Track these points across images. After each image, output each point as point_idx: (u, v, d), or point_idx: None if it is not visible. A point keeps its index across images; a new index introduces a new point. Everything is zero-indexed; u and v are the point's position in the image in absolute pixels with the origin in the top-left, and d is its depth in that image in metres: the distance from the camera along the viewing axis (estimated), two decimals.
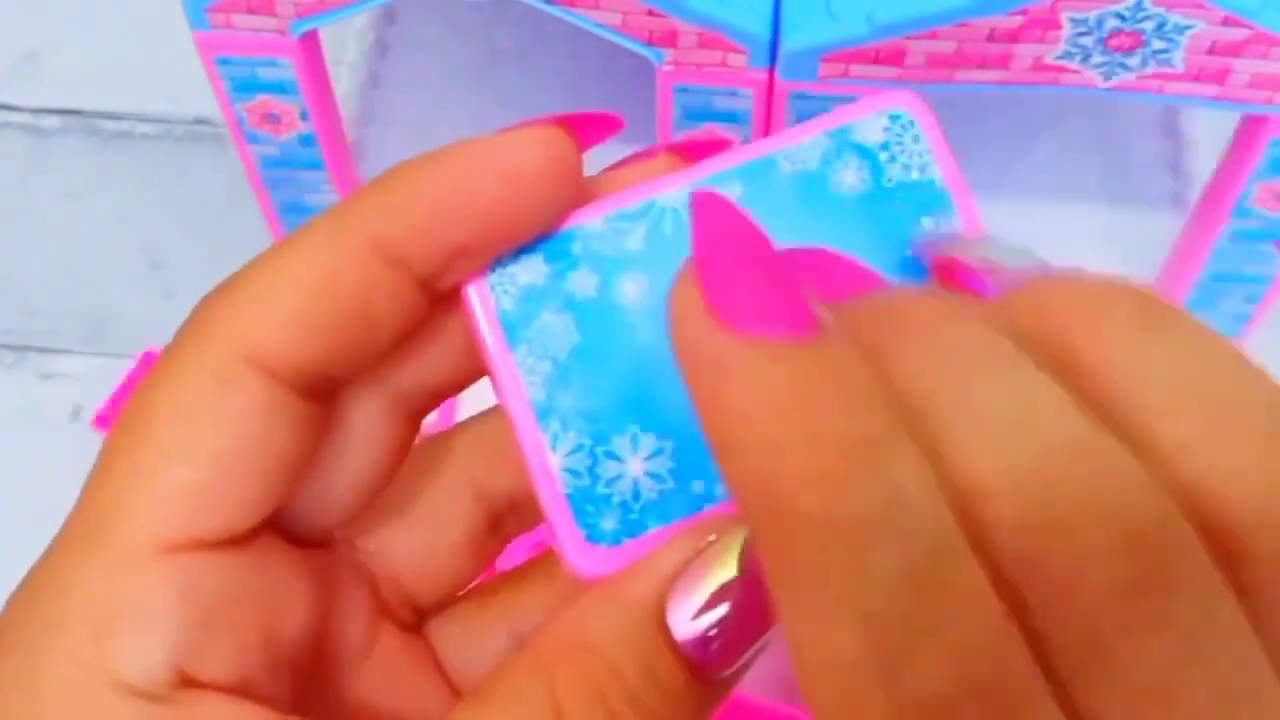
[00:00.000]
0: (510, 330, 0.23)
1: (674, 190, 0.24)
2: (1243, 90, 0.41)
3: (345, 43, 0.60)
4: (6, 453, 0.53)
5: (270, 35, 0.43)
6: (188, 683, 0.21)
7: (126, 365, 0.52)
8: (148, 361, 0.51)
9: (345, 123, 0.51)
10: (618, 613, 0.21)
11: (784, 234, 0.23)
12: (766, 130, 0.44)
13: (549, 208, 0.23)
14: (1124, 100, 0.41)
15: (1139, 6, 0.38)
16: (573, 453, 0.23)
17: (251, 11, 0.43)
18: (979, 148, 0.58)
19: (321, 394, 0.23)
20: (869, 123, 0.24)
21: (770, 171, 0.24)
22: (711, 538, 0.21)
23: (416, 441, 0.26)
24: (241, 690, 0.21)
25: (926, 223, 0.25)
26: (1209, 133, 0.57)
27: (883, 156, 0.24)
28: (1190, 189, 0.56)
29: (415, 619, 0.27)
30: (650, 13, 0.41)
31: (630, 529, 0.22)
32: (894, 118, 0.24)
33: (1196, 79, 0.41)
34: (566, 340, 0.23)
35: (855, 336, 0.18)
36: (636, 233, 0.24)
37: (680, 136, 0.43)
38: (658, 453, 0.23)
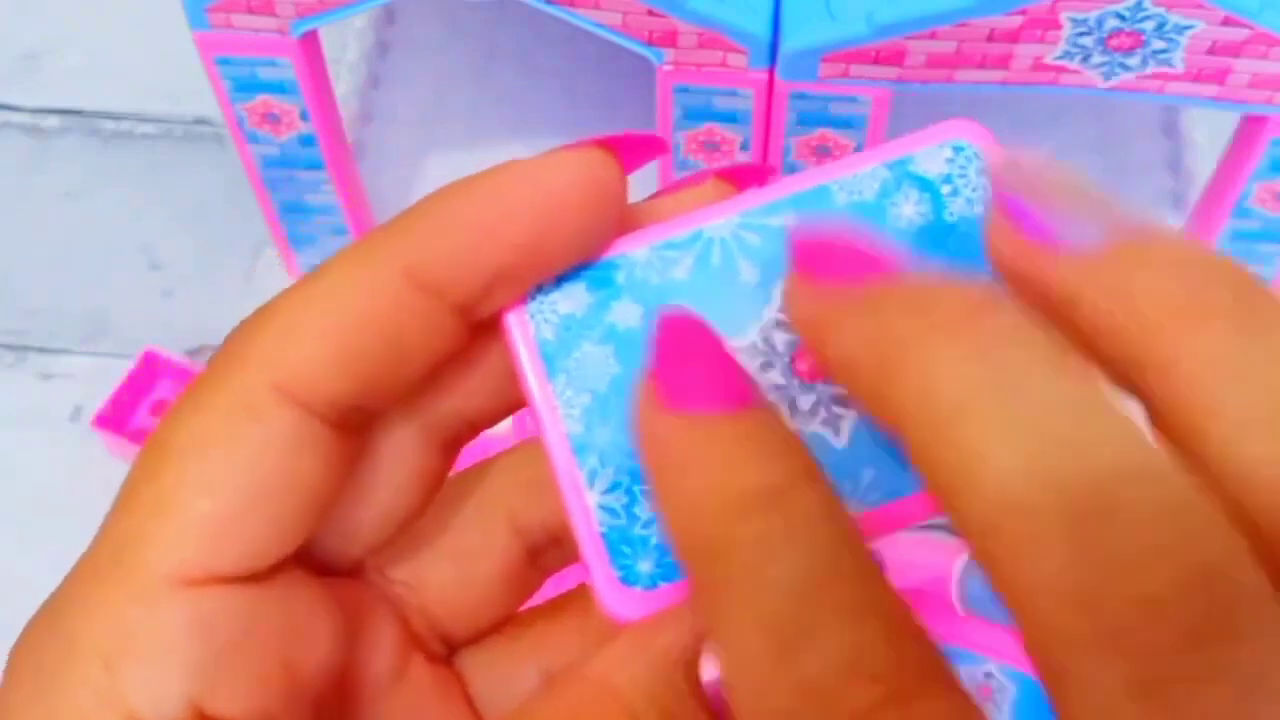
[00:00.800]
0: (549, 360, 0.22)
1: (722, 220, 0.23)
2: (1243, 90, 0.41)
3: (345, 43, 0.60)
4: (6, 453, 0.53)
5: (270, 35, 0.43)
6: (202, 717, 0.20)
7: (126, 365, 0.52)
8: (148, 362, 0.51)
9: (345, 123, 0.51)
10: (646, 661, 0.21)
11: None
12: (766, 130, 0.44)
13: (591, 234, 0.23)
14: (1124, 100, 0.41)
15: (1139, 6, 0.38)
16: (610, 490, 0.22)
17: (251, 11, 0.43)
18: None
19: (353, 425, 0.22)
20: (931, 154, 0.23)
21: (824, 201, 0.23)
22: None
23: (452, 472, 0.25)
24: None
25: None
26: (1209, 133, 0.57)
27: (944, 190, 0.23)
28: (1190, 189, 0.56)
29: (447, 650, 0.26)
30: (650, 13, 0.41)
31: (667, 573, 0.22)
32: (957, 149, 0.23)
33: (1196, 79, 0.41)
34: (607, 372, 0.22)
35: (882, 329, 0.19)
36: (683, 263, 0.23)
37: (726, 163, 0.43)
38: None
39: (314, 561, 0.23)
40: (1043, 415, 0.17)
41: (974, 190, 0.23)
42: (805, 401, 0.22)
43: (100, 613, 0.21)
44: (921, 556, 0.49)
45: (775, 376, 0.22)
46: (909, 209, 0.23)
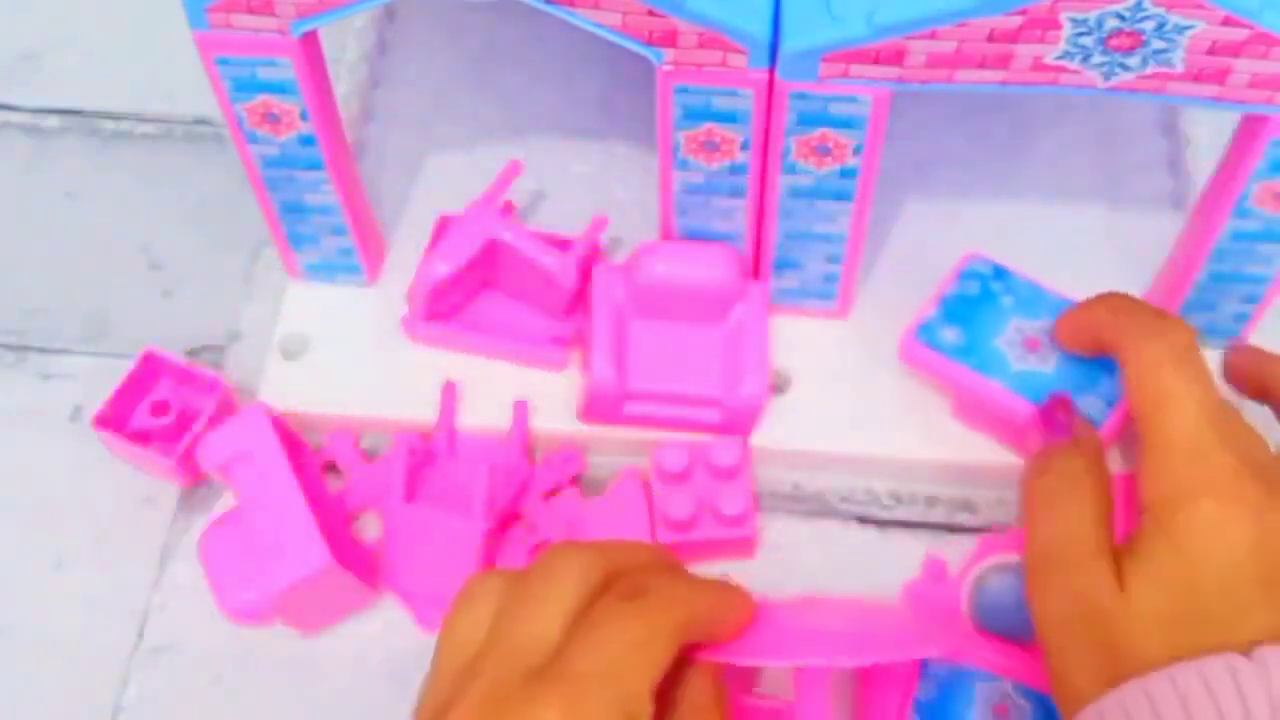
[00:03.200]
0: None
1: None
2: (1243, 90, 0.41)
3: (345, 43, 0.60)
4: (6, 453, 0.53)
5: (270, 35, 0.43)
6: None
7: (126, 365, 0.51)
8: (148, 362, 0.51)
9: (345, 123, 0.51)
10: None
11: None
12: (766, 130, 0.44)
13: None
14: (1124, 100, 0.41)
15: (1139, 6, 0.38)
16: None
17: (251, 11, 0.43)
18: (979, 148, 0.58)
19: None
20: None
21: None
22: None
23: None
24: None
25: None
26: (1209, 133, 0.57)
27: None
28: (1190, 189, 0.56)
29: None
30: (650, 13, 0.41)
31: None
32: None
33: (1196, 79, 0.41)
34: None
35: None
36: None
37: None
38: None
39: None
40: None
41: None
42: None
43: None
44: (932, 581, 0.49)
45: None
46: None
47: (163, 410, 0.51)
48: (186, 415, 0.51)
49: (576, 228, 0.52)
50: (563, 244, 0.51)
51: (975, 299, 0.49)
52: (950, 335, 0.48)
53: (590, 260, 0.51)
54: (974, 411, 0.50)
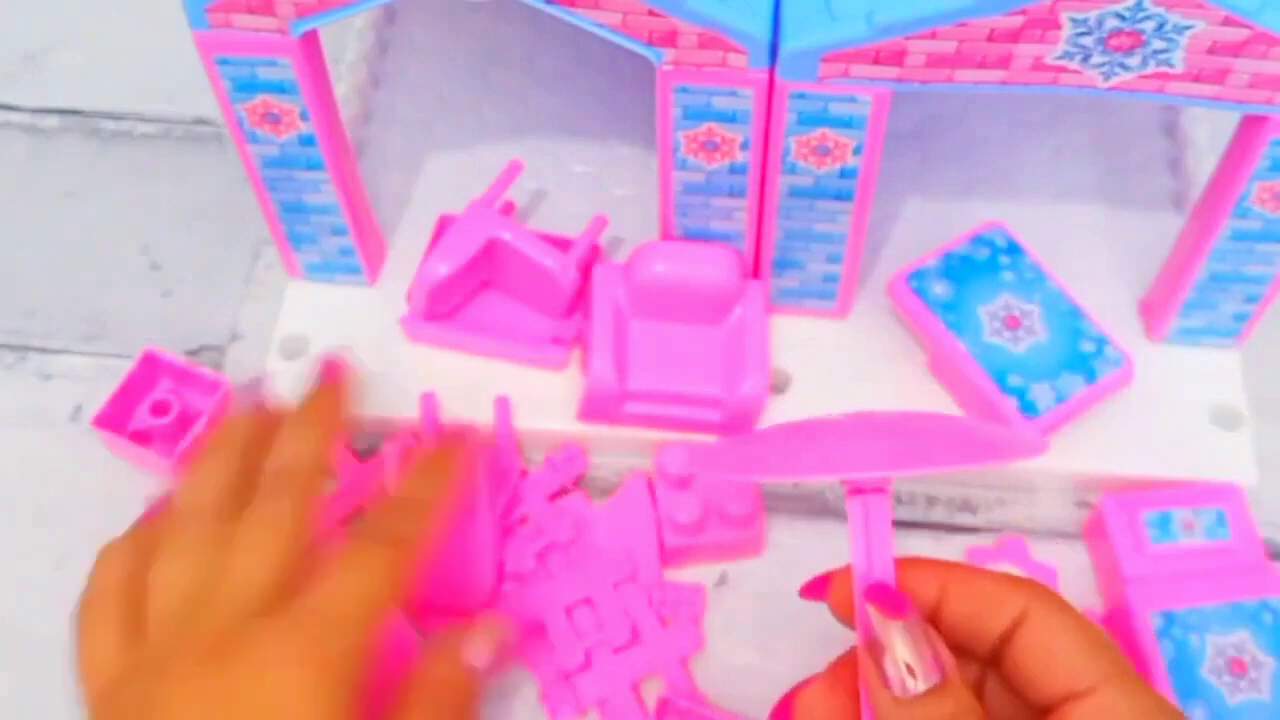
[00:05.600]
0: None
1: None
2: (1243, 90, 0.41)
3: (345, 43, 0.60)
4: (6, 453, 0.53)
5: (270, 35, 0.43)
6: None
7: (126, 365, 0.51)
8: (148, 362, 0.51)
9: (345, 123, 0.51)
10: None
11: None
12: (766, 130, 0.44)
13: None
14: (1124, 100, 0.42)
15: (1139, 6, 0.38)
16: None
17: (251, 11, 0.43)
18: (979, 148, 0.58)
19: None
20: None
21: None
22: None
23: None
24: None
25: None
26: (1209, 133, 0.57)
27: None
28: (1190, 189, 0.56)
29: None
30: (650, 13, 0.41)
31: None
32: None
33: (1196, 79, 0.41)
34: None
35: None
36: None
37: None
38: None
39: None
40: None
41: None
42: None
43: None
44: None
45: None
46: None
47: (163, 410, 0.51)
48: (186, 415, 0.51)
49: (576, 228, 0.52)
50: (563, 244, 0.51)
51: (978, 263, 0.50)
52: (940, 289, 0.50)
53: (590, 260, 0.51)
54: (943, 369, 0.51)
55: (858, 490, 0.34)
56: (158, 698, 0.35)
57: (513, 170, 0.52)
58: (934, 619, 0.35)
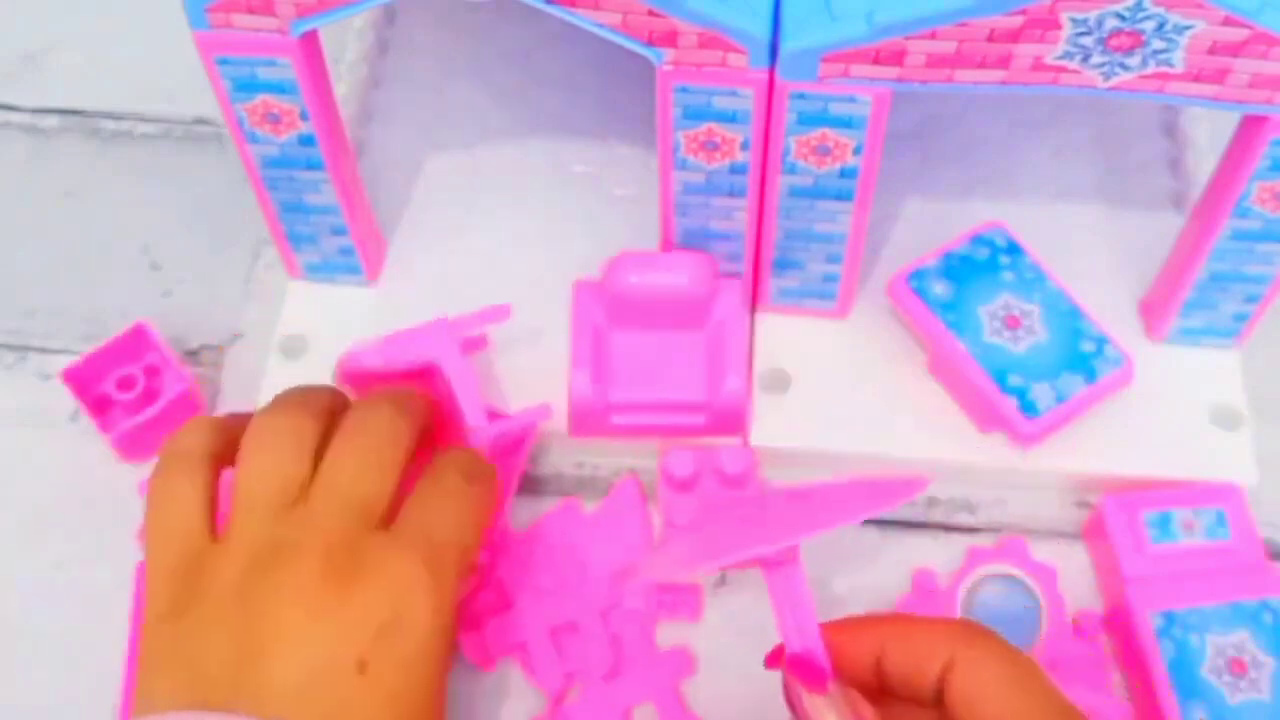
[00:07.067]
0: None
1: None
2: (1243, 90, 0.41)
3: (345, 43, 0.60)
4: (6, 453, 0.53)
5: (270, 35, 0.43)
6: None
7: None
8: (136, 334, 0.51)
9: (345, 123, 0.51)
10: None
11: None
12: (766, 130, 0.44)
13: None
14: (1124, 100, 0.41)
15: (1139, 6, 0.38)
16: None
17: (251, 11, 0.43)
18: (979, 148, 0.58)
19: None
20: None
21: None
22: None
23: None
24: None
25: None
26: (1209, 133, 0.57)
27: None
28: (1190, 189, 0.56)
29: None
30: (650, 13, 0.41)
31: None
32: None
33: (1196, 79, 0.41)
34: None
35: None
36: None
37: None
38: None
39: None
40: None
41: None
42: None
43: None
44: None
45: None
46: None
47: (128, 386, 0.51)
48: (148, 398, 0.51)
49: (576, 227, 0.52)
50: (494, 415, 0.49)
51: (978, 263, 0.50)
52: (940, 288, 0.50)
53: (510, 441, 0.49)
54: (943, 369, 0.50)
55: (768, 565, 0.35)
56: (269, 600, 0.34)
57: (499, 312, 0.50)
58: (879, 673, 0.36)
